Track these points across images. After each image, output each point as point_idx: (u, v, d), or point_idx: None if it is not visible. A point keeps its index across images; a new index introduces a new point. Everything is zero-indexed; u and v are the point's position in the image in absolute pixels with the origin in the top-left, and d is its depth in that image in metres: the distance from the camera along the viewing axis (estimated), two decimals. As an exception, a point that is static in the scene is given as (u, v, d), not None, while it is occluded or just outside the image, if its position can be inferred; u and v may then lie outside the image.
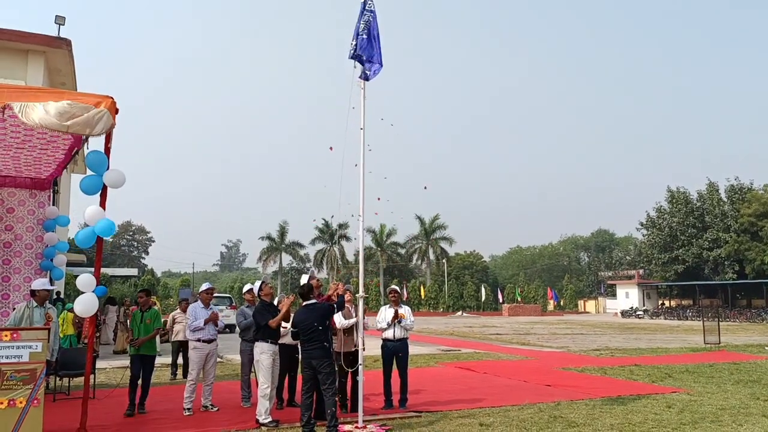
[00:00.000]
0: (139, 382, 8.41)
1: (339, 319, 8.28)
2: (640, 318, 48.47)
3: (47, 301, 7.85)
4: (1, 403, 5.73)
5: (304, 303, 7.37)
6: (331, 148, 7.96)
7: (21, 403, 5.80)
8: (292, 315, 8.45)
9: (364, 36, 7.92)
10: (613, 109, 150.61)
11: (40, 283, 7.88)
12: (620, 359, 15.64)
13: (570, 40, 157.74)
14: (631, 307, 53.75)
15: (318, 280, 8.55)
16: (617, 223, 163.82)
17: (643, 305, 55.81)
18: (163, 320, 17.24)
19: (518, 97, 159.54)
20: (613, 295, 63.10)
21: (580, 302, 69.84)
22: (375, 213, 8.35)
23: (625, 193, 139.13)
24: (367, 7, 8.02)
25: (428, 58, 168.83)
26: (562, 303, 66.86)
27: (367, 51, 7.90)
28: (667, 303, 56.91)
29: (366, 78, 8.01)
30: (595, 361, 15.31)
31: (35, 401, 5.87)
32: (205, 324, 8.64)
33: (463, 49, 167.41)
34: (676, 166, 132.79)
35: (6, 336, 5.89)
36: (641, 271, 62.25)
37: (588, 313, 64.77)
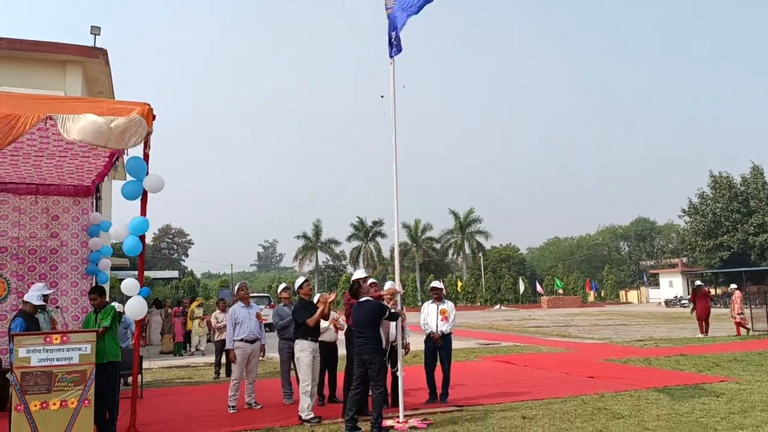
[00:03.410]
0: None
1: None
2: (684, 307, 47.32)
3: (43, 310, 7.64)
4: (54, 404, 5.92)
5: (359, 300, 7.43)
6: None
7: (72, 403, 5.99)
8: (332, 313, 8.53)
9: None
10: (651, 93, 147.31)
11: (29, 296, 7.37)
12: (665, 349, 15.32)
13: (610, 20, 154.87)
14: (675, 296, 52.46)
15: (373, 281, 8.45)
16: (657, 211, 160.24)
17: (688, 294, 54.49)
18: (205, 320, 17.65)
19: (550, 85, 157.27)
20: (656, 284, 61.77)
21: (622, 293, 68.52)
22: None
23: (665, 180, 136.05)
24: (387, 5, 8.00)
25: (459, 46, 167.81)
26: (602, 294, 65.72)
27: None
28: (712, 291, 55.48)
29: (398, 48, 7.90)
30: (639, 351, 15.02)
31: (86, 401, 6.05)
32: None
33: (492, 35, 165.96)
34: (718, 150, 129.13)
35: (56, 339, 6.09)
36: (685, 259, 60.82)
37: (630, 303, 63.54)
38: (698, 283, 20.97)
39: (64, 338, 6.13)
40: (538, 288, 61.93)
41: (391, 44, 8.00)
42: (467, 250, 70.02)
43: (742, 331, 19.22)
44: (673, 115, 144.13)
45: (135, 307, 6.78)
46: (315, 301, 8.41)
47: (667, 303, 50.55)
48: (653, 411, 7.65)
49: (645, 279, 66.38)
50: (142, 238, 6.96)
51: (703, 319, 19.28)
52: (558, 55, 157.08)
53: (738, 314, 19.29)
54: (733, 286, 21.68)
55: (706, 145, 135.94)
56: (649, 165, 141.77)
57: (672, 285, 57.69)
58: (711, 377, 10.36)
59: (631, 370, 11.61)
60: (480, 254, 68.64)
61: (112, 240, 7.28)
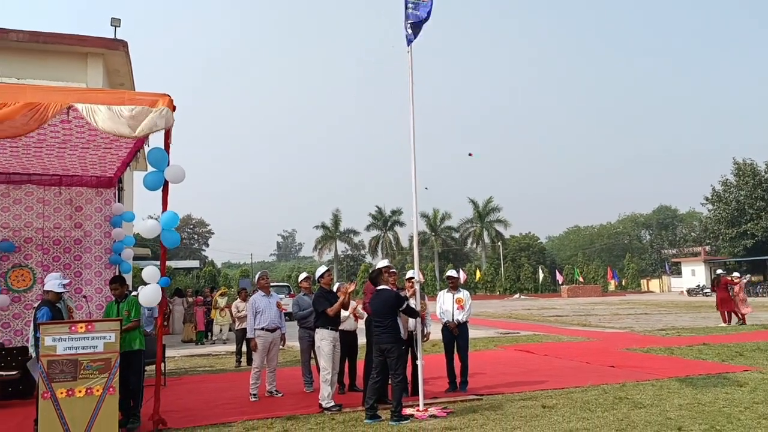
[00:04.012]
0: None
1: None
2: (707, 296, 46.72)
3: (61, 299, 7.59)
4: (80, 392, 6.03)
5: (377, 288, 7.45)
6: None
7: (98, 391, 6.09)
8: (351, 302, 8.56)
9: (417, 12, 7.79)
10: (675, 82, 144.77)
11: (51, 285, 7.33)
12: (688, 339, 15.15)
13: (641, 8, 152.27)
14: (698, 285, 51.79)
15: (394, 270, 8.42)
16: (679, 199, 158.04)
17: (711, 283, 53.75)
18: (225, 310, 17.81)
19: (568, 71, 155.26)
20: (678, 273, 61.03)
21: (643, 281, 67.85)
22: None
23: (687, 168, 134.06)
24: None
25: (479, 30, 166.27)
26: (623, 283, 65.13)
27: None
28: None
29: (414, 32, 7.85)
30: (661, 341, 14.88)
31: (111, 389, 6.15)
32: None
33: (510, 21, 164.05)
34: (742, 138, 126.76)
35: (81, 327, 6.19)
36: (707, 248, 59.97)
37: (652, 292, 62.92)
38: (719, 271, 20.62)
39: (89, 327, 6.23)
40: (558, 277, 61.56)
41: (407, 31, 7.92)
42: (486, 239, 69.84)
43: (733, 319, 18.94)
44: (696, 103, 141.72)
45: (148, 294, 6.84)
46: (335, 290, 8.45)
47: (690, 292, 49.95)
48: (675, 400, 7.59)
49: (667, 268, 65.62)
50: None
51: (725, 309, 19.03)
52: (579, 41, 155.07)
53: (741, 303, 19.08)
54: (736, 274, 21.40)
55: (730, 133, 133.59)
56: (671, 152, 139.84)
57: (694, 274, 56.98)
58: (734, 366, 10.24)
59: (652, 360, 11.51)
60: (499, 243, 68.37)
61: (139, 233, 7.39)
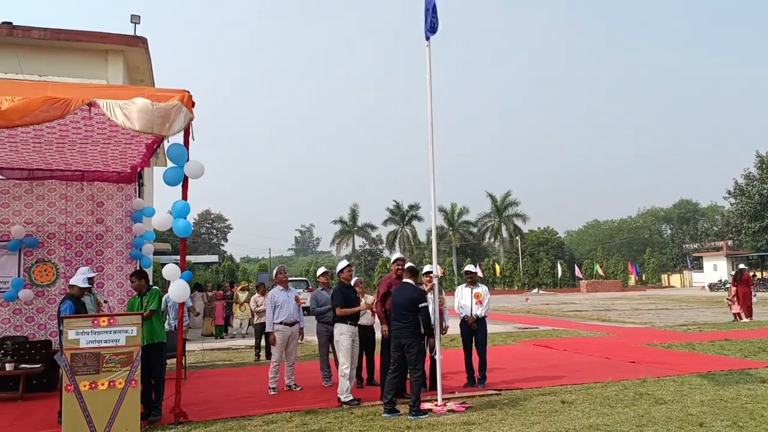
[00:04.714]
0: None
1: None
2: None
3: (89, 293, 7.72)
4: (102, 384, 6.13)
5: (402, 280, 7.46)
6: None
7: (120, 384, 6.19)
8: (369, 297, 8.57)
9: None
10: (692, 74, 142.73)
11: (75, 280, 7.49)
12: (709, 334, 14.95)
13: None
14: (720, 280, 51.09)
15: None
16: (700, 193, 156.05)
17: (733, 277, 52.87)
18: (245, 303, 17.95)
19: (588, 63, 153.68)
20: (700, 267, 60.24)
21: (664, 276, 67.07)
22: None
23: (707, 162, 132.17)
24: None
25: (496, 21, 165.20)
26: (644, 278, 64.42)
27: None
28: (759, 274, 53.81)
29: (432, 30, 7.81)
30: (682, 336, 14.71)
31: (133, 382, 6.24)
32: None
33: (529, 12, 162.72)
34: (761, 130, 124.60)
35: (104, 321, 6.28)
36: (730, 242, 59.13)
37: (673, 287, 62.16)
38: (741, 266, 20.34)
39: (111, 321, 6.32)
40: (577, 272, 61.05)
41: (426, 25, 7.87)
42: (504, 234, 69.52)
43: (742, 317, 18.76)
44: (716, 96, 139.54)
45: (178, 291, 6.94)
46: (353, 284, 8.46)
47: (711, 287, 49.28)
48: (697, 396, 7.50)
49: (688, 262, 64.81)
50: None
51: (747, 304, 18.77)
52: (600, 33, 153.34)
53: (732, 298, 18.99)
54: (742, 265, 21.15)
55: (751, 125, 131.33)
56: (691, 145, 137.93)
57: (716, 268, 56.22)
58: (757, 362, 10.09)
59: (673, 355, 11.38)
60: (517, 238, 68.04)
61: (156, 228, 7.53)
